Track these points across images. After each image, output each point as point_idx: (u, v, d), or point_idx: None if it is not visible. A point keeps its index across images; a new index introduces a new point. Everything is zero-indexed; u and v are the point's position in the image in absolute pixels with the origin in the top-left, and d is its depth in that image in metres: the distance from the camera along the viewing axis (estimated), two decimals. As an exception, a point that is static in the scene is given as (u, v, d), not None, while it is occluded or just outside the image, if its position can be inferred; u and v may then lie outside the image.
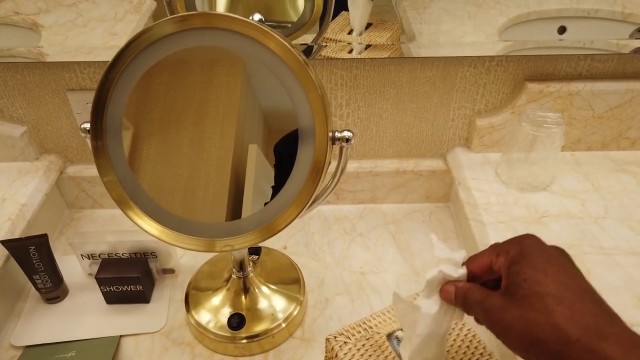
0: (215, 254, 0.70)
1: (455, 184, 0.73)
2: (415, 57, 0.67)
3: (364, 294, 0.67)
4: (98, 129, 0.46)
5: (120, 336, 0.62)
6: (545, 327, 0.28)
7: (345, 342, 0.46)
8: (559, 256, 0.34)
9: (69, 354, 0.59)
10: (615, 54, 0.68)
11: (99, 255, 0.65)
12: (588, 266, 0.58)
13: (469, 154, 0.75)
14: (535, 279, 0.31)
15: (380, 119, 0.74)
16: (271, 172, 0.49)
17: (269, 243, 0.73)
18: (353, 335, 0.47)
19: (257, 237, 0.49)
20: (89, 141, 0.48)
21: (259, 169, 0.50)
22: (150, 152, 0.49)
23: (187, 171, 0.50)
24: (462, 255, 0.41)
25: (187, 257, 0.73)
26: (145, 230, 0.51)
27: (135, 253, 0.65)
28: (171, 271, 0.69)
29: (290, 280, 0.66)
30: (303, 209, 0.47)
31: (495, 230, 0.63)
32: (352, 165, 0.77)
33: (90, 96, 0.68)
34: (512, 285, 0.31)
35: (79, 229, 0.78)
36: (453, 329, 0.48)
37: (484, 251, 0.39)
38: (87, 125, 0.47)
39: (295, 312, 0.62)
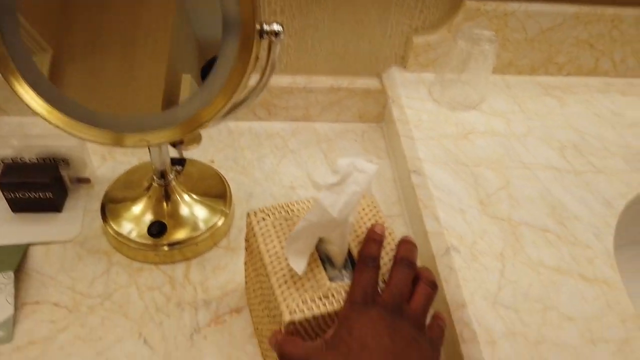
0: (134, 165, 0.66)
1: (389, 103, 0.72)
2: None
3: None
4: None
5: (29, 244, 0.58)
6: None
7: (263, 219, 0.46)
8: (377, 323, 0.38)
9: (-32, 261, 0.55)
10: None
11: (2, 160, 0.59)
12: (509, 179, 0.60)
13: (404, 73, 0.74)
14: (348, 341, 0.37)
15: (316, 31, 0.71)
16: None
17: (195, 156, 0.70)
18: (273, 214, 0.46)
19: (179, 131, 0.46)
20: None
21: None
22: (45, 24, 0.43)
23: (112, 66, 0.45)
24: (374, 167, 0.40)
25: (105, 168, 0.68)
26: (30, 106, 0.45)
27: (43, 159, 0.60)
28: (86, 181, 0.65)
29: (216, 191, 0.64)
30: (228, 102, 0.44)
31: (425, 145, 0.64)
32: (285, 80, 0.74)
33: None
34: (335, 339, 0.38)
35: (-19, 136, 0.70)
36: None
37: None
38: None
39: (220, 223, 0.60)
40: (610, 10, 0.70)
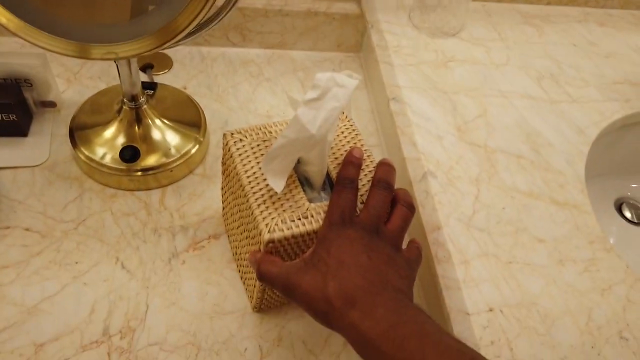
0: (102, 89, 0.63)
1: (368, 28, 0.70)
2: None
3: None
4: None
5: (-6, 169, 0.56)
6: (320, 295, 0.37)
7: (240, 140, 0.45)
8: (354, 242, 0.39)
9: None
10: None
11: (-42, 79, 0.56)
12: (487, 107, 0.60)
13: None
14: (326, 259, 0.38)
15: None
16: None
17: (166, 81, 0.67)
18: (250, 135, 0.45)
19: (150, 43, 0.43)
20: None
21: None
22: None
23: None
24: (354, 82, 0.39)
25: (71, 92, 0.65)
26: (43, 47, 0.42)
27: (4, 78, 0.56)
28: (52, 104, 0.61)
29: (189, 118, 0.62)
30: (202, 8, 0.41)
31: (403, 72, 0.63)
32: (260, 2, 0.71)
33: None
34: (314, 258, 0.38)
35: None
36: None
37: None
38: None
39: (194, 150, 0.59)
40: None
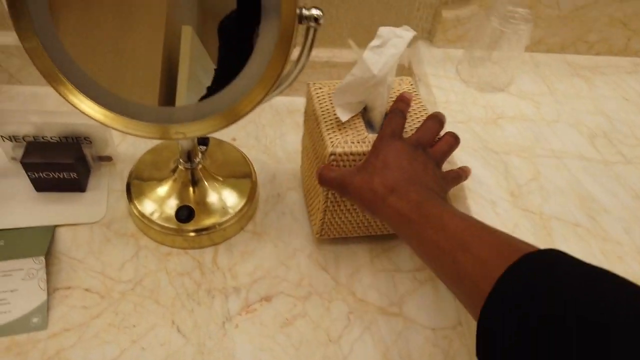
0: (158, 142, 0.64)
1: (416, 81, 0.70)
2: None
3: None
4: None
5: (55, 226, 0.57)
6: (367, 187, 0.45)
7: (320, 88, 0.56)
8: (400, 151, 0.47)
9: (-4, 245, 0.54)
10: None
11: (23, 138, 0.58)
12: (539, 169, 0.60)
13: (431, 49, 0.72)
14: (374, 162, 0.46)
15: (343, 1, 0.67)
16: (208, 56, 0.44)
17: (217, 134, 0.68)
18: (327, 86, 0.57)
19: (219, 123, 0.44)
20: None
21: (195, 52, 0.43)
22: (77, 22, 0.41)
23: (118, 49, 0.43)
24: (410, 34, 0.49)
25: (125, 145, 0.66)
26: (88, 114, 0.44)
27: (66, 137, 0.58)
28: (108, 159, 0.63)
29: (241, 174, 0.63)
30: (269, 90, 0.43)
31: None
32: (308, 53, 0.71)
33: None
34: (364, 163, 0.47)
35: (-7, 108, 0.68)
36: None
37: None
38: (0, -24, 0.37)
39: (247, 208, 0.60)
40: (649, -11, 0.68)
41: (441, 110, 0.64)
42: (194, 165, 0.58)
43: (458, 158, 0.59)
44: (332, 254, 0.60)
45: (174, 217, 0.57)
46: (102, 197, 0.61)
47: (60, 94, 0.43)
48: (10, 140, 0.58)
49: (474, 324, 0.52)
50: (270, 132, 0.71)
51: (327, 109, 0.54)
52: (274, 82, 0.44)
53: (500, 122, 0.64)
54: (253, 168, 0.63)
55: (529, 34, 0.62)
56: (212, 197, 0.59)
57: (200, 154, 0.59)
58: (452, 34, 0.70)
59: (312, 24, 0.42)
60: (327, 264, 0.59)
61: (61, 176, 0.58)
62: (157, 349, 0.50)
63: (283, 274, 0.57)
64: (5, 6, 0.40)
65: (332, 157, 0.50)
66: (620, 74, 0.74)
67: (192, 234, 0.57)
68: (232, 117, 0.44)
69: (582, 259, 0.33)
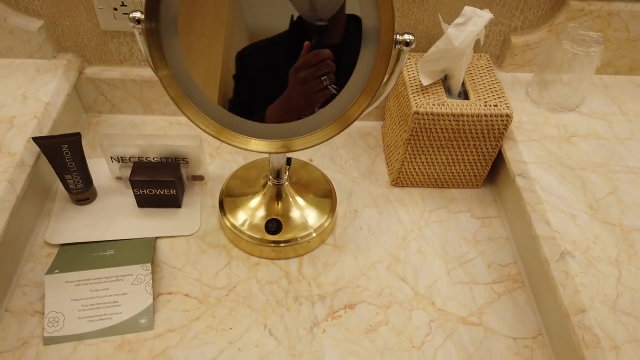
0: (246, 161, 0.70)
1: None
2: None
3: (391, 207, 0.69)
4: (153, 15, 0.43)
5: (156, 238, 0.63)
6: None
7: (409, 58, 0.67)
8: None
9: (108, 252, 0.60)
10: (660, -26, 0.67)
11: (129, 159, 0.64)
12: (616, 184, 0.60)
13: (500, 73, 0.75)
14: None
15: (415, 31, 0.72)
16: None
17: (297, 155, 0.73)
18: (416, 57, 0.69)
19: (334, 130, 0.50)
20: (137, 33, 0.46)
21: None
22: (200, 51, 0.47)
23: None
24: (489, 15, 0.59)
25: (213, 166, 0.72)
26: (251, 149, 0.52)
27: (166, 158, 0.65)
28: (200, 178, 0.69)
29: (322, 191, 0.67)
30: (372, 98, 0.48)
31: (527, 147, 0.64)
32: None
33: (116, -12, 0.65)
34: None
35: (98, 133, 0.76)
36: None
37: None
38: (138, 15, 0.44)
39: (327, 223, 0.63)
40: None
41: (514, 129, 0.67)
42: (282, 181, 0.63)
43: (534, 174, 0.61)
44: (409, 266, 0.62)
45: (264, 229, 0.61)
46: (196, 213, 0.66)
47: (186, 115, 0.49)
48: (118, 161, 0.65)
49: (555, 334, 0.54)
50: (344, 154, 0.76)
51: (414, 77, 0.65)
52: (375, 92, 0.48)
53: (573, 140, 0.66)
54: (333, 188, 0.68)
55: (600, 55, 0.64)
56: (297, 212, 0.63)
57: (287, 172, 0.63)
58: (520, 58, 0.73)
59: (405, 47, 0.46)
60: (405, 275, 0.61)
61: (162, 192, 0.64)
62: (252, 350, 0.54)
63: (364, 284, 0.60)
64: (142, 44, 0.46)
65: (416, 115, 0.61)
66: (692, 94, 0.74)
67: (280, 244, 0.61)
68: (344, 123, 0.50)
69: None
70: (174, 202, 0.65)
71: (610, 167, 0.63)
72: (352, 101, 0.48)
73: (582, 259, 0.53)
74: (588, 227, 0.56)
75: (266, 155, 0.65)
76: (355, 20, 0.45)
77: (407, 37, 0.47)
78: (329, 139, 0.50)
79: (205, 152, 0.67)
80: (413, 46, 0.48)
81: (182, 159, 0.65)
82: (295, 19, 0.44)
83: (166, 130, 0.77)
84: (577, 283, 0.51)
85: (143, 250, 0.60)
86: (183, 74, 0.47)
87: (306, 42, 0.46)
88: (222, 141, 0.51)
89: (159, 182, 0.62)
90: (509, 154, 0.65)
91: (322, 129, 0.50)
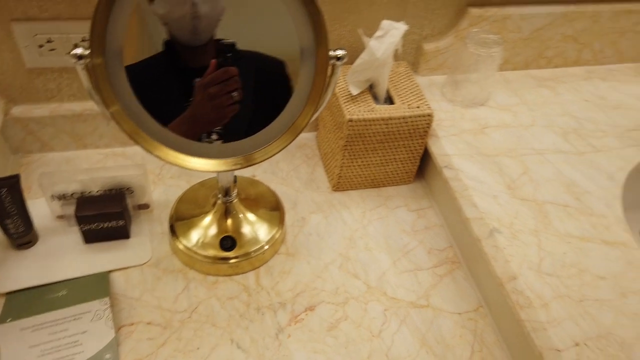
0: (192, 184, 0.71)
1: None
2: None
3: (335, 211, 0.73)
4: (98, 50, 0.44)
5: (109, 271, 0.62)
6: None
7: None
8: None
9: (60, 293, 0.59)
10: (538, -19, 0.77)
11: (72, 195, 0.64)
12: (527, 164, 0.69)
13: (417, 78, 0.82)
14: None
15: (338, 46, 0.77)
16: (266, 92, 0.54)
17: (240, 173, 0.76)
18: (343, 69, 0.70)
19: (287, 139, 0.55)
20: (80, 69, 0.46)
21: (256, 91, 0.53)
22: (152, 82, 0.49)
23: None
24: (404, 27, 0.66)
25: (158, 192, 0.73)
26: (192, 168, 0.53)
27: (110, 189, 0.65)
28: (146, 206, 0.69)
29: (270, 204, 0.70)
30: (317, 107, 0.53)
31: (449, 142, 0.72)
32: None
33: (39, 27, 0.64)
34: None
35: (31, 174, 0.74)
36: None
37: None
38: (80, 51, 0.45)
39: (279, 234, 0.66)
40: (590, 8, 0.80)
41: (436, 127, 0.74)
42: (232, 199, 0.65)
43: (458, 165, 0.68)
44: (359, 262, 0.67)
45: (218, 247, 0.63)
46: (145, 241, 0.66)
47: (143, 148, 0.51)
48: (59, 199, 0.64)
49: (493, 303, 0.60)
50: (285, 166, 0.79)
51: (344, 88, 0.71)
52: (318, 102, 0.53)
53: (486, 131, 0.74)
54: (279, 198, 0.71)
55: (500, 55, 0.73)
56: (248, 227, 0.66)
57: (235, 189, 0.66)
58: (433, 63, 0.81)
59: (338, 62, 0.51)
60: (357, 271, 0.66)
61: (110, 225, 0.63)
62: (223, 364, 0.56)
63: (320, 286, 0.64)
64: (85, 81, 0.47)
65: (350, 122, 0.67)
66: (578, 81, 0.85)
67: (235, 260, 0.63)
68: (295, 132, 0.54)
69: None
70: (123, 233, 0.65)
71: (520, 151, 0.71)
72: (299, 112, 0.53)
73: (507, 234, 0.60)
74: (509, 205, 0.64)
75: (214, 175, 0.67)
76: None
77: (339, 52, 0.52)
78: (285, 147, 0.54)
79: (149, 179, 0.68)
80: (345, 60, 0.53)
81: (127, 188, 0.66)
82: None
83: (103, 163, 0.76)
84: (506, 255, 0.58)
85: (98, 285, 0.60)
86: (134, 105, 0.48)
87: (213, 60, 0.49)
88: (183, 167, 0.53)
89: (107, 214, 0.62)
90: (434, 149, 0.72)
91: (278, 139, 0.54)
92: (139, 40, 0.46)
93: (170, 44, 0.47)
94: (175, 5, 0.45)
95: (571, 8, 0.79)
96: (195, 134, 0.53)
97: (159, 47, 0.47)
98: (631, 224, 0.62)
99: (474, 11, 0.76)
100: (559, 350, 0.50)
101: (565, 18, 0.80)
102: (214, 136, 0.53)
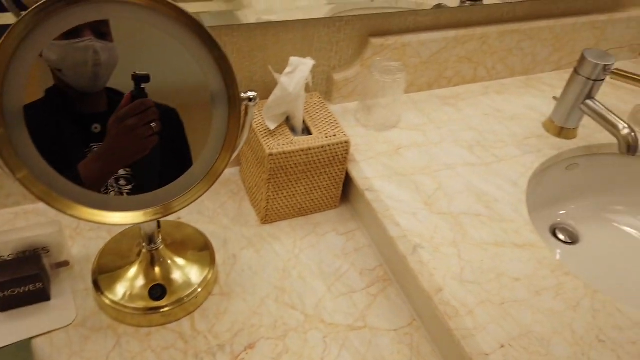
0: (112, 235, 0.69)
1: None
2: (278, 21, 0.74)
3: (266, 243, 0.74)
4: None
5: (31, 338, 0.58)
6: None
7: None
8: None
9: (-24, 371, 0.54)
10: (432, 10, 0.84)
11: (-20, 263, 0.59)
12: (440, 180, 0.74)
13: (331, 106, 0.85)
14: None
15: (251, 82, 0.79)
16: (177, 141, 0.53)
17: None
18: (259, 105, 0.73)
19: (205, 185, 0.54)
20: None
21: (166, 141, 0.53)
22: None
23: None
24: (311, 62, 0.70)
25: (77, 247, 0.70)
26: (97, 221, 0.51)
27: (24, 251, 0.61)
28: (65, 264, 0.66)
29: (198, 245, 0.69)
30: (233, 151, 0.54)
31: (367, 165, 0.75)
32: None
33: None
34: None
35: None
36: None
37: None
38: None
39: (210, 275, 0.66)
40: (479, 30, 0.88)
41: (354, 151, 0.77)
42: (157, 246, 0.63)
43: (378, 186, 0.72)
44: (295, 293, 0.67)
45: (147, 298, 0.61)
46: (68, 300, 0.63)
47: (57, 209, 0.48)
48: (-35, 268, 0.59)
49: (424, 315, 0.63)
50: (210, 205, 0.79)
51: (261, 123, 0.72)
52: (234, 145, 0.53)
53: (400, 152, 0.78)
54: (207, 238, 0.70)
55: (404, 79, 0.78)
56: (178, 272, 0.65)
57: (160, 235, 0.64)
58: (345, 91, 0.85)
59: (250, 103, 0.52)
60: (293, 302, 0.66)
61: (27, 289, 0.60)
62: (165, 419, 0.54)
63: (258, 322, 0.64)
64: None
65: (271, 157, 0.68)
66: (476, 97, 0.93)
67: (167, 308, 0.62)
68: (212, 178, 0.54)
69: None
70: (42, 295, 0.61)
71: (433, 167, 0.76)
72: (215, 157, 0.53)
73: (429, 248, 0.64)
74: (428, 220, 0.68)
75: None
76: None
77: (250, 94, 0.53)
78: (203, 194, 0.54)
79: (66, 235, 0.65)
80: (257, 101, 0.54)
81: (42, 248, 0.62)
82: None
83: (13, 223, 0.71)
84: (431, 268, 0.61)
85: (19, 356, 0.56)
86: (42, 167, 0.46)
87: (127, 93, 0.48)
88: (101, 224, 0.51)
89: (22, 279, 0.58)
90: (354, 173, 0.75)
91: (195, 187, 0.53)
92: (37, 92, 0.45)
93: (61, 91, 0.46)
94: (74, 51, 0.44)
95: (462, 32, 0.87)
96: (111, 172, 0.52)
97: (51, 96, 0.46)
98: (536, 224, 0.69)
99: (375, 41, 0.81)
100: (487, 354, 0.53)
101: (457, 41, 0.87)
102: (122, 182, 0.52)
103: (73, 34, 0.44)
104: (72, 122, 0.48)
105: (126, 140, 0.50)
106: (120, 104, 0.48)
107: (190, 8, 0.67)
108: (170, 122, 0.52)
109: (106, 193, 0.52)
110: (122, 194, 0.52)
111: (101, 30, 0.45)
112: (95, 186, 0.51)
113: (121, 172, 0.52)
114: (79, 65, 0.45)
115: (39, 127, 0.46)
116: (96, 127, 0.49)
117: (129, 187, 0.53)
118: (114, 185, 0.52)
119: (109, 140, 0.50)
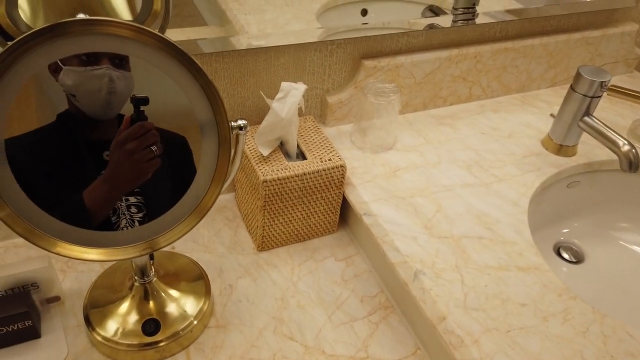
0: (103, 270, 0.67)
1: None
2: (270, 47, 0.73)
3: (263, 271, 0.72)
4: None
5: (19, 380, 0.56)
6: None
7: (245, 133, 0.56)
8: None
9: (-40, 418, 0.52)
10: (424, 31, 0.83)
11: (-34, 302, 0.57)
12: (439, 202, 0.72)
13: (325, 129, 0.84)
14: None
15: (243, 107, 0.78)
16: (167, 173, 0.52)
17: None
18: (252, 131, 0.74)
19: (193, 220, 0.52)
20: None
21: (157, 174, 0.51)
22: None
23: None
24: (303, 86, 0.68)
25: (68, 281, 0.68)
26: (83, 258, 0.50)
27: (12, 288, 0.59)
28: (56, 299, 0.64)
29: (193, 276, 0.67)
30: (223, 183, 0.51)
31: (364, 188, 0.74)
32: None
33: None
34: None
35: None
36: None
37: None
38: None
39: (206, 307, 0.64)
40: (472, 49, 0.88)
41: (350, 175, 0.76)
42: (149, 279, 0.61)
43: (376, 210, 0.70)
44: (294, 323, 0.65)
45: (141, 333, 0.59)
46: (59, 337, 0.61)
47: (40, 247, 0.47)
48: (-49, 308, 0.57)
49: (429, 344, 0.61)
50: (206, 233, 0.77)
51: (254, 149, 0.71)
52: (225, 176, 0.52)
53: (398, 174, 0.77)
54: (202, 268, 0.68)
55: (399, 100, 0.77)
56: (172, 305, 0.63)
57: (152, 268, 0.62)
58: (339, 113, 0.84)
59: (240, 131, 0.51)
60: (292, 333, 0.64)
61: (16, 327, 0.57)
62: None
63: (256, 355, 0.61)
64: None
65: (265, 183, 0.66)
66: (473, 116, 0.92)
67: (162, 344, 0.59)
68: (201, 212, 0.52)
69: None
70: (32, 333, 0.59)
71: (431, 189, 0.75)
72: (205, 190, 0.51)
73: (431, 274, 0.62)
74: (428, 244, 0.66)
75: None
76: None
77: (240, 122, 0.52)
78: (190, 229, 0.52)
79: (56, 270, 0.63)
80: (248, 129, 0.53)
81: (32, 284, 0.60)
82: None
83: (3, 257, 0.70)
84: (433, 295, 0.59)
85: (6, 400, 0.53)
86: (26, 206, 0.45)
87: (126, 116, 0.47)
88: (88, 260, 0.50)
89: (11, 317, 0.56)
90: (351, 197, 0.73)
91: (182, 222, 0.52)
92: (22, 124, 0.44)
93: (73, 117, 0.45)
94: (90, 78, 0.44)
95: (455, 51, 0.86)
96: (115, 197, 0.50)
97: (63, 120, 0.45)
98: (540, 244, 0.67)
99: (368, 63, 0.81)
100: (494, 384, 0.51)
101: (451, 61, 0.87)
102: (133, 209, 0.51)
103: (91, 60, 0.43)
104: (82, 148, 0.47)
105: (127, 164, 0.49)
106: (120, 127, 0.47)
107: (183, 35, 0.67)
108: (180, 150, 0.50)
109: (117, 221, 0.51)
110: (133, 221, 0.51)
111: (119, 58, 0.44)
112: (100, 212, 0.50)
113: (132, 199, 0.51)
114: (93, 92, 0.44)
115: (38, 155, 0.45)
116: (107, 154, 0.48)
117: (140, 215, 0.51)
118: (125, 213, 0.51)
119: (112, 165, 0.48)
